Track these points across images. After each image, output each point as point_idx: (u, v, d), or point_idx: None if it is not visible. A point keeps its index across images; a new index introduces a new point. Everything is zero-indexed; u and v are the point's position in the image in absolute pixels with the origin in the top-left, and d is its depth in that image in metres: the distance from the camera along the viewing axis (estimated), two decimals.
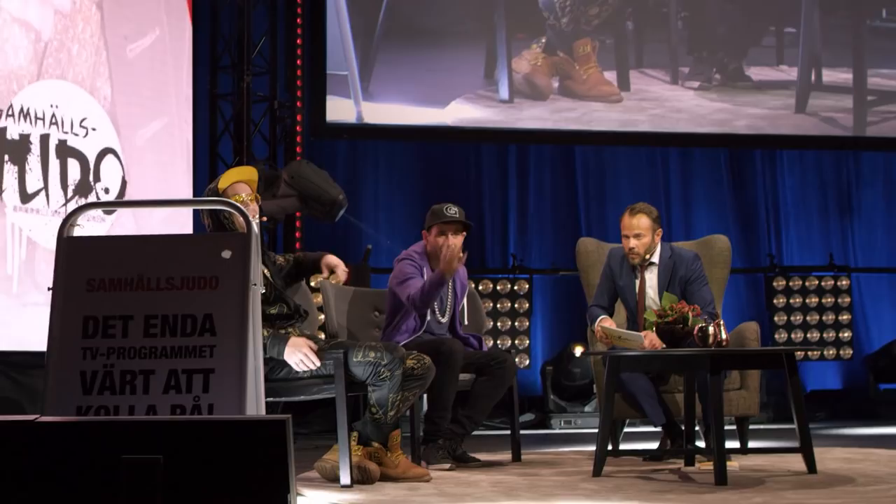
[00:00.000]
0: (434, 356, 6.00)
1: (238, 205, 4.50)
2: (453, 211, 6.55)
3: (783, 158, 11.00)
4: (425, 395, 6.30)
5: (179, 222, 8.02)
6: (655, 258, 6.53)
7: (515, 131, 10.17)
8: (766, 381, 9.28)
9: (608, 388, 5.85)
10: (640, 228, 6.46)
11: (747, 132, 10.50)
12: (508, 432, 6.65)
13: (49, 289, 4.16)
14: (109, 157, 7.81)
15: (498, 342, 9.67)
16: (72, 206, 7.23)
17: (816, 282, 10.51)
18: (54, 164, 7.39)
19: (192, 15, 8.66)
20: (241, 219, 4.27)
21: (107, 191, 7.72)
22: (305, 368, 5.33)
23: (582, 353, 9.30)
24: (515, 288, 9.90)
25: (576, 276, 7.34)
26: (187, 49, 8.55)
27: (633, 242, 6.48)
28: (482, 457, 6.44)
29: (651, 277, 6.53)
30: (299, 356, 5.29)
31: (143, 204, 7.80)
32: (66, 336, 4.10)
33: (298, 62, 9.54)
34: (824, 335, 10.43)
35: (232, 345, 4.06)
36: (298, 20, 9.57)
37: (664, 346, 5.93)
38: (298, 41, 9.54)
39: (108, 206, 7.75)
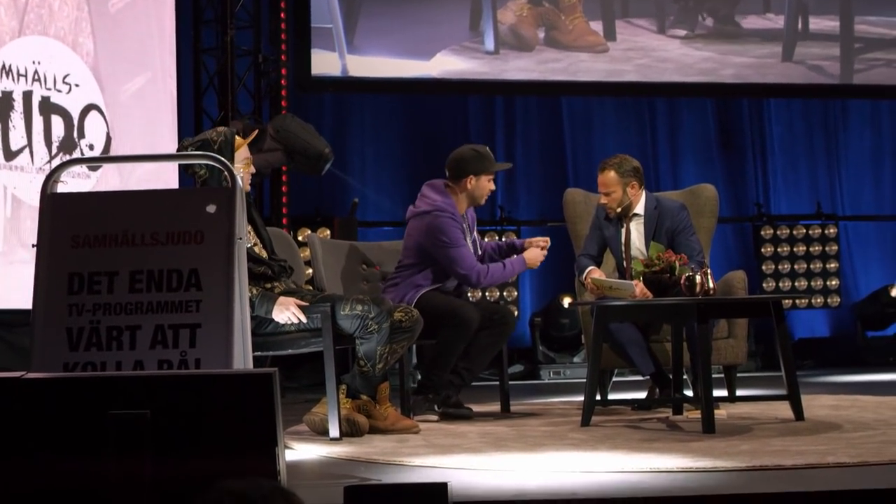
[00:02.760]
0: (450, 319, 6.05)
1: (223, 159, 4.48)
2: (507, 164, 6.55)
3: (770, 107, 10.99)
4: (414, 347, 6.32)
5: (164, 178, 7.99)
6: (640, 209, 6.53)
7: (501, 83, 10.14)
8: (754, 330, 9.31)
9: (596, 339, 5.86)
10: (607, 185, 6.48)
11: (734, 81, 10.47)
12: (497, 383, 6.67)
13: (34, 246, 4.15)
14: (93, 114, 7.78)
15: (487, 295, 9.68)
16: (56, 162, 7.20)
17: (804, 230, 10.52)
18: (38, 120, 7.35)
19: None
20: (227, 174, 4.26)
21: (91, 147, 7.69)
22: (293, 323, 5.33)
23: (570, 304, 9.32)
24: (503, 240, 9.88)
25: (563, 227, 7.33)
26: (170, 3, 8.49)
27: (603, 199, 6.51)
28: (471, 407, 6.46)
29: (636, 228, 6.54)
30: (287, 314, 5.30)
31: (128, 159, 7.78)
32: (51, 293, 4.09)
33: (282, 15, 9.48)
34: (812, 283, 10.45)
35: (218, 299, 4.05)
36: None
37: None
38: None
39: (93, 162, 7.72)
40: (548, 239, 6.59)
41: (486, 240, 7.05)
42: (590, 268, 6.49)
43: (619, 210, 6.49)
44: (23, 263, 6.97)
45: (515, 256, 6.51)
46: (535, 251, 6.49)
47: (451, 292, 6.36)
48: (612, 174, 6.47)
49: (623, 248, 6.52)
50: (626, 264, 6.45)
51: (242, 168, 5.17)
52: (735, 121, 10.95)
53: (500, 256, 6.64)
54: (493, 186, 6.52)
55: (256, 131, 5.56)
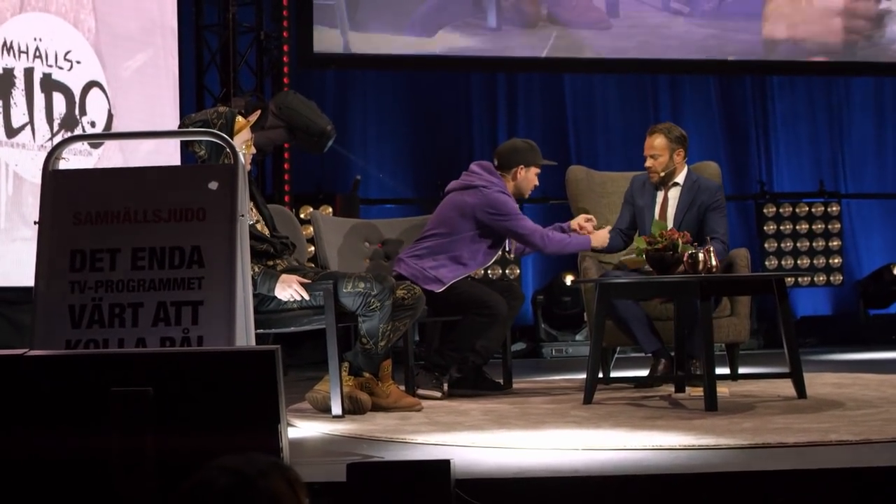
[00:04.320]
0: (480, 307, 6.17)
1: (223, 135, 4.48)
2: (550, 160, 6.66)
3: (773, 84, 10.96)
4: (417, 325, 6.34)
5: (167, 154, 7.98)
6: (680, 179, 6.58)
7: (504, 59, 10.10)
8: (757, 308, 9.30)
9: (598, 316, 5.86)
10: (655, 149, 6.52)
11: (737, 58, 10.43)
12: (500, 361, 6.67)
13: (36, 223, 4.14)
14: (95, 91, 7.75)
15: (489, 273, 9.67)
16: (58, 140, 7.18)
17: (807, 208, 10.50)
18: (39, 98, 7.33)
19: None
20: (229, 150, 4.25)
21: (93, 124, 7.67)
22: (296, 300, 5.33)
23: (573, 282, 9.31)
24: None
25: (566, 204, 7.33)
26: None
27: (649, 162, 6.55)
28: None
29: (673, 197, 6.57)
30: (290, 292, 5.29)
31: (129, 136, 7.76)
32: (53, 270, 4.09)
33: None
34: (815, 261, 10.44)
35: (220, 276, 4.05)
36: None
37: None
38: None
39: (94, 139, 7.70)
40: (592, 218, 6.63)
41: None
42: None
43: (662, 174, 6.52)
44: (24, 241, 6.96)
45: (582, 236, 6.53)
46: (603, 232, 6.54)
47: (485, 281, 6.44)
48: (660, 138, 6.53)
49: (657, 215, 6.53)
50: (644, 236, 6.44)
51: (244, 148, 5.16)
52: (738, 99, 10.92)
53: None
54: (537, 182, 6.59)
55: (259, 112, 5.54)
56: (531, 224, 6.42)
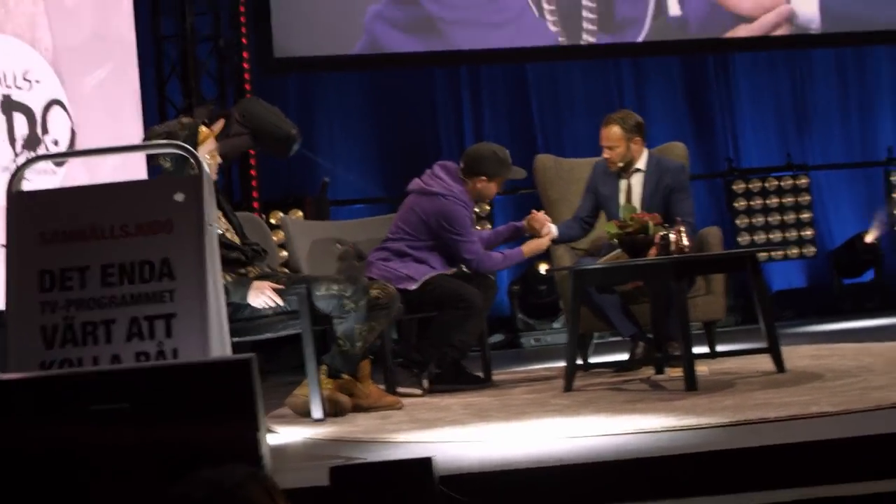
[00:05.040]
0: (457, 302, 6.17)
1: (188, 147, 4.46)
2: (521, 171, 6.60)
3: (735, 61, 10.97)
4: (395, 323, 6.35)
5: (132, 168, 7.93)
6: (641, 165, 6.56)
7: (465, 53, 10.07)
8: (732, 284, 9.32)
9: (574, 303, 5.87)
10: (611, 139, 6.50)
11: (698, 36, 10.42)
12: (479, 354, 6.67)
13: (2, 246, 4.12)
14: (56, 109, 7.71)
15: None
16: (21, 160, 7.14)
17: (776, 182, 10.54)
18: (0, 119, 7.29)
19: None
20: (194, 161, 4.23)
21: (56, 143, 7.62)
22: (269, 307, 5.31)
23: (547, 270, 9.32)
24: (476, 209, 9.87)
25: (535, 193, 7.33)
26: None
27: (606, 153, 6.53)
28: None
29: (637, 184, 6.56)
30: (263, 299, 5.28)
31: (93, 153, 7.70)
32: (22, 292, 4.06)
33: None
34: (786, 235, 10.47)
35: (192, 287, 4.03)
36: None
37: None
38: None
39: (56, 158, 7.65)
40: (547, 221, 6.61)
41: (481, 230, 7.10)
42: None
43: (621, 165, 6.51)
44: None
45: (515, 249, 6.59)
46: (531, 244, 6.53)
47: (458, 275, 6.42)
48: (615, 128, 6.50)
49: (624, 203, 6.51)
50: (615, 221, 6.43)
51: (209, 158, 5.15)
52: (701, 78, 10.93)
53: (500, 240, 6.82)
54: (499, 191, 6.60)
55: (223, 121, 5.52)
56: (476, 248, 6.40)
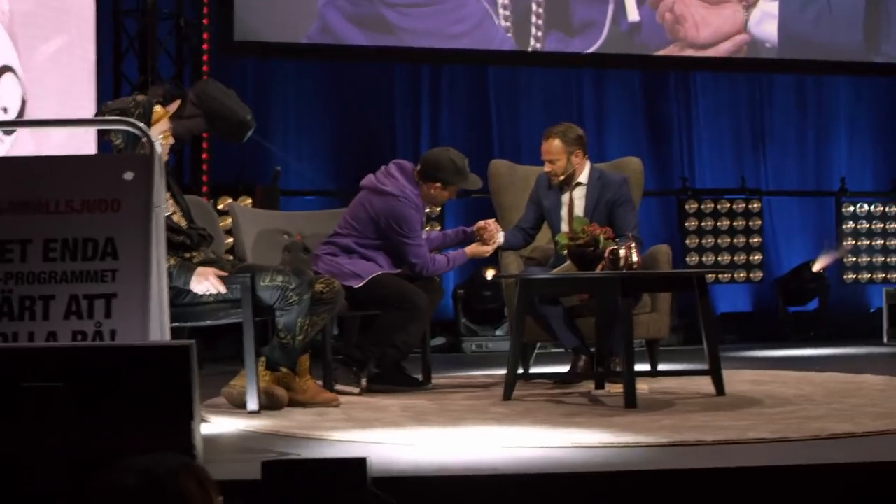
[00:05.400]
0: (400, 302, 6.17)
1: (140, 125, 4.42)
2: (477, 180, 6.54)
3: (696, 81, 11.03)
4: (336, 319, 6.33)
5: (82, 142, 7.86)
6: (583, 178, 6.57)
7: (428, 51, 10.06)
8: (678, 304, 9.36)
9: (519, 312, 5.87)
10: (552, 153, 6.52)
11: (661, 53, 10.48)
12: (419, 356, 6.66)
13: None
14: (8, 76, 7.63)
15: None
16: None
17: (728, 205, 10.61)
18: None
19: None
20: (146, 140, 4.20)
21: (5, 110, 7.54)
22: (212, 293, 5.27)
23: (494, 277, 9.32)
24: (427, 210, 9.85)
25: (488, 199, 7.34)
26: None
27: (547, 167, 6.54)
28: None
29: (578, 197, 6.57)
30: (206, 285, 5.23)
31: (43, 124, 7.63)
32: None
33: None
34: (735, 258, 10.54)
35: (135, 269, 4.00)
36: None
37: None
38: None
39: (6, 126, 7.57)
40: (495, 224, 6.63)
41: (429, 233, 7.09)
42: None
43: (562, 178, 6.52)
44: None
45: (458, 251, 6.60)
46: (475, 248, 6.55)
47: (404, 276, 6.40)
48: (556, 142, 6.50)
49: (568, 216, 6.53)
50: (570, 231, 6.45)
51: (161, 139, 5.10)
52: (661, 96, 10.98)
53: (447, 243, 6.81)
54: (453, 197, 6.60)
55: (178, 102, 5.47)
56: (422, 252, 6.39)
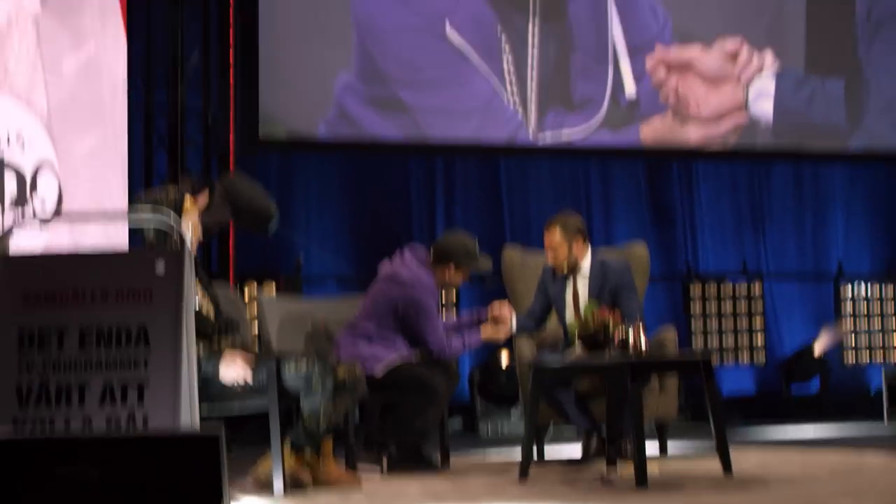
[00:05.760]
0: (418, 388, 6.17)
1: (171, 221, 4.45)
2: (488, 262, 6.54)
3: (698, 168, 11.06)
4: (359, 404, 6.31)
5: (114, 235, 7.90)
6: (585, 266, 6.57)
7: (440, 145, 10.11)
8: (685, 384, 9.33)
9: (533, 397, 5.86)
10: (552, 243, 6.53)
11: (664, 145, 10.51)
12: (438, 438, 6.62)
13: None
14: (46, 170, 7.69)
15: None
16: (8, 220, 7.10)
17: (731, 288, 10.60)
18: None
19: (127, 30, 8.54)
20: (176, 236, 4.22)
21: (43, 202, 7.59)
22: (240, 383, 5.27)
23: (508, 362, 9.30)
24: (443, 297, 9.86)
25: (501, 284, 7.35)
26: (122, 63, 8.43)
27: (549, 256, 6.55)
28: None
29: (582, 285, 6.57)
30: (234, 372, 5.23)
31: (79, 217, 7.69)
32: (1, 350, 4.03)
33: (231, 78, 9.43)
34: (739, 340, 10.51)
35: (166, 357, 4.01)
36: (231, 37, 9.46)
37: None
38: (231, 58, 9.43)
39: (44, 221, 7.62)
40: (509, 309, 6.61)
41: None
42: None
43: (565, 267, 6.53)
44: None
45: (473, 335, 6.56)
46: (490, 332, 6.52)
47: (422, 361, 6.38)
48: (557, 231, 6.52)
49: (572, 303, 6.53)
50: (577, 318, 6.44)
51: (191, 230, 5.14)
52: (665, 182, 11.01)
53: (461, 327, 6.70)
54: (466, 279, 6.60)
55: (207, 194, 5.52)
56: (440, 336, 6.36)
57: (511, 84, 10.05)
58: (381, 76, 9.77)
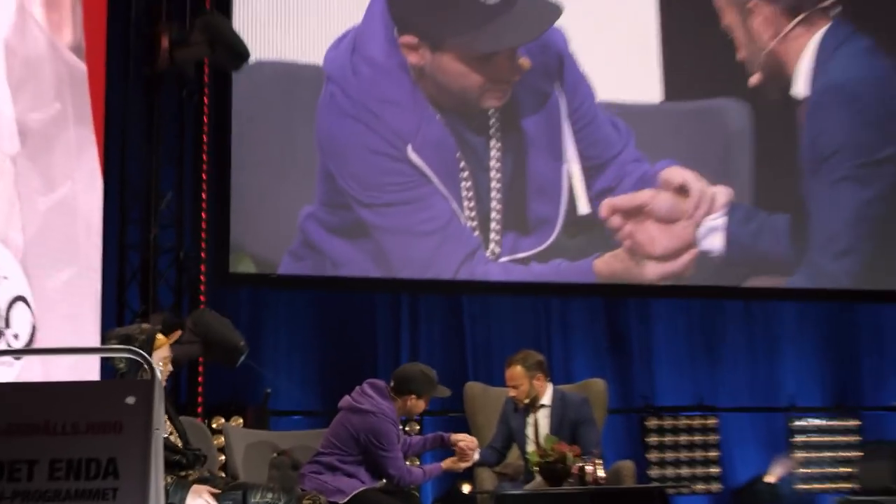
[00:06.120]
0: None
1: (142, 353, 4.45)
2: (446, 390, 6.61)
3: (654, 303, 11.13)
4: None
5: (85, 367, 7.86)
6: (546, 400, 6.62)
7: (405, 281, 10.14)
8: None
9: None
10: (514, 379, 6.59)
11: (621, 282, 10.59)
12: None
13: None
14: (20, 305, 7.66)
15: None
16: None
17: (687, 421, 10.60)
18: None
19: (104, 170, 8.61)
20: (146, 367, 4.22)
21: (16, 337, 7.55)
22: None
23: (469, 492, 9.22)
24: (407, 429, 9.81)
25: (463, 417, 7.35)
26: (98, 202, 8.48)
27: (511, 392, 6.60)
28: None
29: (543, 418, 6.60)
30: (200, 502, 5.20)
31: (51, 352, 7.66)
32: None
33: (203, 216, 9.50)
34: (695, 471, 10.48)
35: (134, 487, 3.97)
36: (204, 177, 9.56)
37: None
38: (204, 196, 9.52)
39: (16, 354, 7.57)
40: (474, 441, 6.61)
41: (409, 436, 7.06)
42: None
43: (527, 401, 6.56)
44: None
45: (435, 465, 6.58)
46: (451, 463, 6.54)
47: (384, 490, 6.38)
48: (518, 368, 6.58)
49: (533, 436, 6.54)
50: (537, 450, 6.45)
51: (162, 365, 5.15)
52: (622, 318, 11.06)
53: (426, 448, 6.78)
54: (426, 407, 6.63)
55: (179, 332, 5.55)
56: (400, 464, 6.38)
57: (469, 205, 10.13)
58: (343, 200, 9.84)
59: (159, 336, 5.31)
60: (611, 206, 10.46)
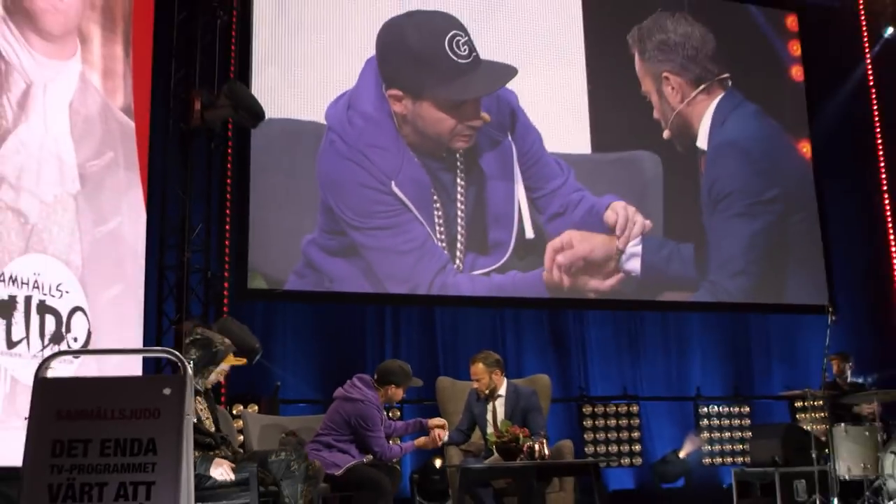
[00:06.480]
0: (369, 485, 6.12)
1: (176, 353, 4.43)
2: (419, 381, 6.65)
3: (588, 314, 11.14)
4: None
5: (131, 364, 7.81)
6: (502, 391, 6.62)
7: (389, 295, 10.14)
8: (580, 484, 9.26)
9: (460, 493, 5.81)
10: (477, 374, 6.60)
11: (563, 296, 10.61)
12: None
13: (26, 418, 4.03)
14: (78, 314, 7.63)
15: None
16: (48, 352, 7.01)
17: (615, 408, 10.61)
18: (35, 318, 7.18)
19: (147, 206, 8.59)
20: (180, 364, 4.21)
21: (75, 340, 7.51)
22: (226, 479, 5.21)
23: (441, 465, 9.20)
24: (390, 415, 9.79)
25: (435, 405, 7.33)
26: (142, 231, 8.45)
27: (475, 384, 6.59)
28: None
29: (499, 406, 6.61)
30: (220, 470, 5.18)
31: (104, 352, 7.62)
32: (37, 456, 3.97)
33: (227, 243, 9.50)
34: (621, 448, 10.49)
35: (170, 462, 3.97)
36: (227, 212, 9.56)
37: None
38: (227, 227, 9.52)
39: (75, 353, 7.53)
40: (444, 423, 6.63)
41: (393, 421, 7.04)
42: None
43: (487, 392, 6.56)
44: (17, 430, 6.71)
45: (410, 443, 6.58)
46: (423, 440, 6.53)
47: (372, 463, 6.35)
48: (480, 365, 6.59)
49: (492, 421, 6.55)
50: (494, 432, 6.47)
51: (222, 372, 5.24)
52: (563, 325, 11.08)
53: (408, 431, 6.76)
54: (403, 395, 6.63)
55: (244, 361, 5.65)
56: (382, 442, 6.38)
57: (440, 230, 10.14)
58: (339, 227, 9.82)
59: (231, 355, 5.38)
60: (552, 249, 10.48)
